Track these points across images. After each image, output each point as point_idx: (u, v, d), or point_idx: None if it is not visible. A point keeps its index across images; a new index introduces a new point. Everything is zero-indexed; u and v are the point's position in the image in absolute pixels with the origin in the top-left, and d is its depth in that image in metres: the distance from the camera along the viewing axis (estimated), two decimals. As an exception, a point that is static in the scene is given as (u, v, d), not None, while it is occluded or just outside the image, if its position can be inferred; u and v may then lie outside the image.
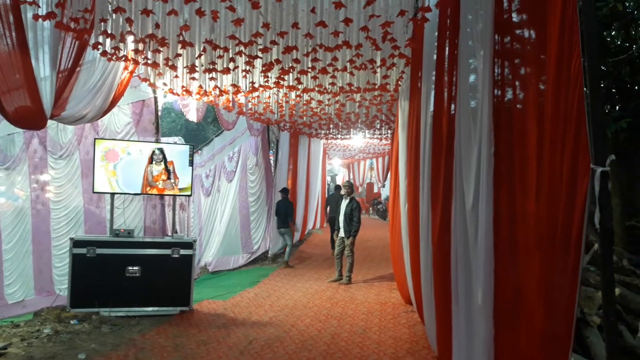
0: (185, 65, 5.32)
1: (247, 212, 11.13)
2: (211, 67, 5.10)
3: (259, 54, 4.73)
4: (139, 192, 6.55)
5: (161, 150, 6.44)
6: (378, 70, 5.48)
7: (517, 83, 2.87)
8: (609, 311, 2.18)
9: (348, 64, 5.09)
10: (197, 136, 29.37)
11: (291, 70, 5.07)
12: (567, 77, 2.22)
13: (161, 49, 4.75)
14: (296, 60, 4.74)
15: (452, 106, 3.81)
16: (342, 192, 9.10)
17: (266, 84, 6.01)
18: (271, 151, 11.73)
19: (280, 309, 6.82)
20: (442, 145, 3.99)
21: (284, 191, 10.84)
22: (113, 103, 5.55)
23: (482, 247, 2.95)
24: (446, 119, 3.91)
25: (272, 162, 11.91)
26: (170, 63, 5.12)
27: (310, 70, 5.08)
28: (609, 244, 2.20)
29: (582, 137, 2.13)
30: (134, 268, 6.23)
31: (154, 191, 6.59)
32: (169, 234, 7.21)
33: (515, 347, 2.80)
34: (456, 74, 3.69)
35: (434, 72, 4.42)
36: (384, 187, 24.38)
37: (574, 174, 2.21)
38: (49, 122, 6.61)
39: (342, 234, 8.86)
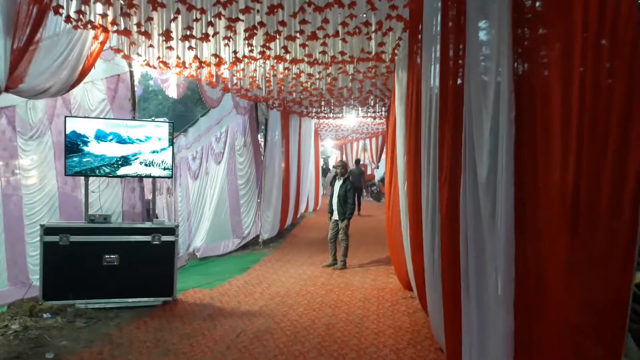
0: (160, 32, 4.78)
1: (236, 195, 10.65)
2: (188, 33, 4.57)
3: (240, 15, 4.20)
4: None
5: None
6: (373, 35, 4.97)
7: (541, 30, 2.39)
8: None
9: (340, 28, 4.57)
10: (185, 118, 28.65)
11: (277, 35, 4.55)
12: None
13: (130, 11, 4.21)
14: (282, 23, 4.23)
15: (460, 72, 3.33)
16: (336, 172, 8.65)
17: (250, 54, 5.48)
18: (260, 133, 11.20)
19: (271, 297, 6.40)
20: (448, 115, 3.52)
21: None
22: (81, 76, 5.01)
23: (502, 228, 2.50)
24: (453, 87, 3.44)
25: (261, 142, 11.40)
26: (142, 29, 4.57)
27: (298, 35, 4.56)
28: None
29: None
30: (112, 256, 5.76)
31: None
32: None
33: (541, 342, 2.38)
34: (464, 31, 3.21)
35: (438, 36, 3.93)
36: (377, 168, 23.93)
37: (625, 141, 1.78)
38: (17, 99, 6.10)
39: (335, 216, 8.43)
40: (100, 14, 4.29)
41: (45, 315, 5.37)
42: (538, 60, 2.42)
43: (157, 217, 6.45)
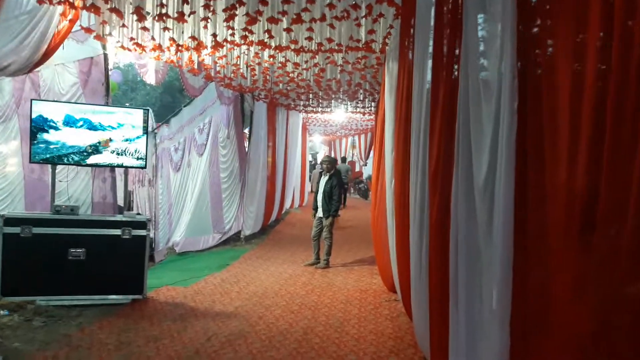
0: (132, 11, 4.40)
1: (218, 188, 10.27)
2: (161, 11, 4.20)
3: (218, -8, 3.86)
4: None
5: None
6: (363, 21, 4.65)
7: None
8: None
9: (327, 10, 4.23)
10: (172, 109, 28.08)
11: (258, 16, 4.19)
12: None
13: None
14: (263, 2, 3.88)
15: (455, 63, 3.02)
16: (322, 168, 8.34)
17: (232, 38, 5.13)
18: (246, 129, 10.83)
19: (248, 298, 6.06)
20: (440, 110, 3.21)
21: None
22: (46, 56, 4.62)
23: (499, 233, 2.20)
24: (447, 80, 3.13)
25: (246, 135, 11.04)
26: (112, 4, 4.20)
27: (281, 17, 4.21)
28: None
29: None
30: (78, 250, 5.38)
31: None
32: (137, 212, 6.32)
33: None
34: (461, 20, 2.90)
35: (431, 28, 3.62)
36: (365, 165, 23.69)
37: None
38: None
39: (320, 213, 8.11)
40: (62, -15, 3.91)
41: (1, 312, 4.99)
42: (545, 48, 2.12)
43: (129, 210, 6.05)
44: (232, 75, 7.19)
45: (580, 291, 1.83)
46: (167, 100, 30.43)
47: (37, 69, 5.85)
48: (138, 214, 11.16)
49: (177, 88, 25.69)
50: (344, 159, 20.34)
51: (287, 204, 15.47)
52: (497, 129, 2.33)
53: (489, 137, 2.44)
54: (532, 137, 2.12)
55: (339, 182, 8.21)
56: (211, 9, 4.22)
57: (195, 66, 6.68)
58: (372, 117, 13.00)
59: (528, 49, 2.17)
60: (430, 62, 3.59)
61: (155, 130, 12.42)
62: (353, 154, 26.03)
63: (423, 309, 3.69)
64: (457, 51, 3.00)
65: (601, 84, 1.71)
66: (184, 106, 11.02)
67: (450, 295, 2.88)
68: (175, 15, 4.31)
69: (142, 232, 5.60)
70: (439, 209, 3.07)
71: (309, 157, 24.75)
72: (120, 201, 6.73)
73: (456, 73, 3.01)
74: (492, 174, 2.39)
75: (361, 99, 9.95)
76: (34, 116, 5.36)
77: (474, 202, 2.60)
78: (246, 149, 10.49)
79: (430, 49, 3.58)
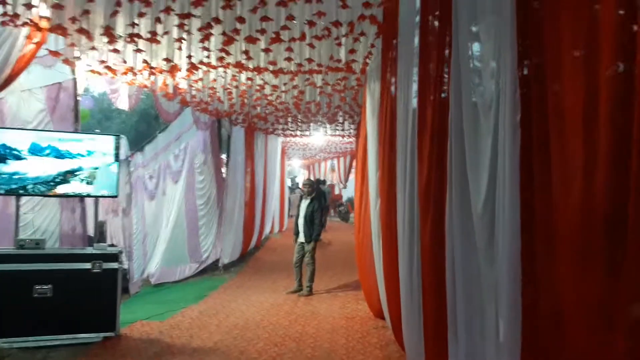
0: (101, 32, 4.18)
1: (195, 215, 9.93)
2: (132, 31, 3.99)
3: (192, 10, 3.67)
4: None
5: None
6: (343, 40, 4.52)
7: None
8: None
9: (307, 29, 4.09)
10: (148, 137, 27.72)
11: (235, 35, 4.01)
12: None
13: (61, 1, 3.62)
14: (240, 19, 3.71)
15: (444, 81, 2.89)
16: (302, 191, 8.13)
17: (208, 60, 4.94)
18: (223, 154, 10.59)
19: (228, 331, 5.73)
20: (427, 127, 3.07)
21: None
22: (9, 80, 4.36)
23: (505, 261, 2.01)
24: (435, 100, 2.99)
25: (224, 161, 10.78)
26: (78, 25, 3.97)
27: (259, 36, 4.04)
28: None
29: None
30: (44, 287, 5.01)
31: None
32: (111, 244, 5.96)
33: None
34: (449, 34, 2.78)
35: (415, 38, 3.51)
36: (345, 188, 23.57)
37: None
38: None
39: (301, 238, 7.85)
40: (24, 4, 3.65)
41: (-40, 357, 4.58)
42: (549, 55, 1.97)
43: (102, 241, 5.72)
44: (209, 99, 6.98)
45: (602, 323, 1.65)
46: (142, 128, 29.96)
47: (2, 96, 5.58)
48: (112, 245, 10.78)
49: (153, 115, 25.29)
50: (321, 182, 20.06)
51: (267, 230, 15.15)
52: (496, 145, 2.18)
53: (487, 155, 2.28)
54: (538, 152, 1.95)
55: (320, 206, 7.99)
56: (185, 28, 4.04)
57: (170, 90, 6.46)
58: (352, 139, 12.91)
59: (530, 58, 2.02)
60: (415, 83, 3.49)
61: (130, 158, 12.11)
62: (332, 177, 25.91)
63: (416, 341, 3.47)
64: (446, 69, 2.88)
65: (615, 91, 1.57)
66: (159, 132, 10.74)
67: (448, 324, 2.67)
68: (148, 35, 4.10)
69: (114, 265, 5.27)
70: (432, 230, 2.88)
71: (288, 182, 24.50)
72: (92, 232, 6.37)
73: (446, 91, 2.88)
74: (491, 194, 2.23)
75: (341, 121, 9.84)
76: (-4, 145, 5.04)
77: (472, 223, 2.43)
78: (224, 175, 10.21)
79: (415, 69, 3.49)
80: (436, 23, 3.10)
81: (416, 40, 3.48)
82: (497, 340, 2.11)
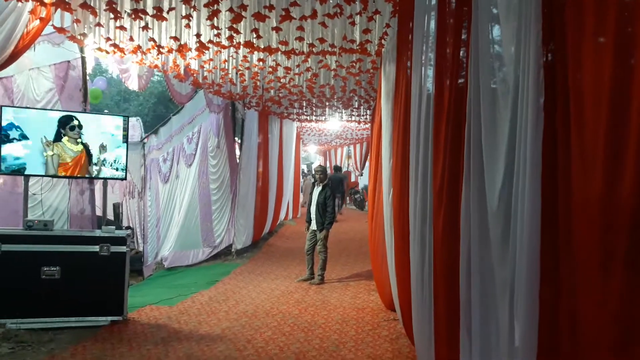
0: (105, 7, 4.04)
1: (208, 200, 9.86)
2: (137, 6, 3.84)
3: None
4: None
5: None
6: (357, 19, 4.31)
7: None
8: None
9: (318, 5, 3.88)
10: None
11: (243, 11, 3.83)
12: None
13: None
14: (247, -5, 3.54)
15: (463, 66, 2.69)
16: (314, 178, 7.97)
17: (217, 39, 4.77)
18: (237, 137, 10.46)
19: (236, 318, 5.65)
20: (444, 113, 2.87)
21: None
22: (13, 57, 4.25)
23: (523, 253, 1.83)
24: (452, 84, 2.79)
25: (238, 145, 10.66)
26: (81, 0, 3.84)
27: (267, 12, 3.86)
28: None
29: None
30: (52, 269, 4.97)
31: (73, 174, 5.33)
32: (124, 226, 5.92)
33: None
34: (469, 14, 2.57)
35: (430, 27, 3.31)
36: (361, 175, 23.35)
37: None
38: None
39: (314, 226, 7.71)
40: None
41: (-34, 338, 4.57)
42: (575, 35, 1.76)
43: (118, 222, 5.65)
44: (221, 81, 6.83)
45: (625, 327, 1.46)
46: (160, 111, 30.05)
47: (10, 74, 5.52)
48: (128, 227, 10.83)
49: (170, 98, 25.35)
50: (338, 168, 19.93)
51: (282, 216, 15.07)
52: (515, 131, 1.98)
53: (505, 142, 2.08)
54: (562, 140, 1.75)
55: (333, 193, 7.82)
56: (192, 4, 3.87)
57: (182, 71, 6.33)
58: (368, 125, 12.67)
59: (554, 41, 1.81)
60: (430, 69, 3.30)
61: (144, 141, 12.08)
62: (348, 164, 25.69)
63: (427, 335, 3.31)
64: (464, 53, 2.68)
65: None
66: (173, 115, 10.68)
67: (461, 324, 2.50)
68: (153, 12, 3.95)
69: (122, 249, 5.19)
70: (446, 222, 2.70)
71: (304, 168, 24.41)
72: (101, 214, 6.32)
73: (464, 76, 2.68)
74: (509, 185, 2.04)
75: (356, 106, 9.61)
76: (3, 124, 4.97)
77: (487, 215, 2.25)
78: (237, 159, 10.11)
79: (430, 55, 3.30)
80: (454, 4, 2.90)
81: (433, 23, 3.29)
82: (512, 342, 1.93)
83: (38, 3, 4.06)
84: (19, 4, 4.08)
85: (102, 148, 5.37)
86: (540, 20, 1.84)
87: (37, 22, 4.42)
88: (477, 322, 2.33)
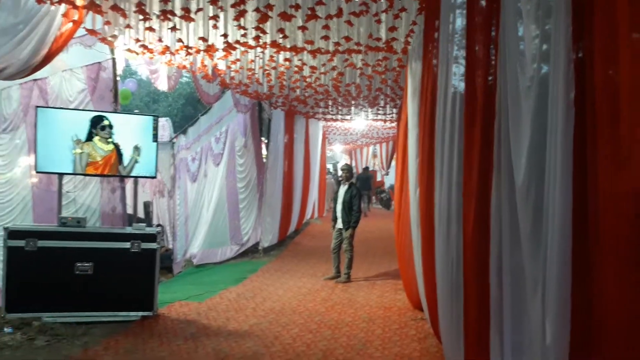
0: (134, 9, 4.13)
1: (236, 199, 9.98)
2: (165, 7, 3.92)
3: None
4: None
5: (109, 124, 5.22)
6: (383, 17, 4.30)
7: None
8: None
9: (343, 3, 3.89)
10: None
11: (269, 11, 3.87)
12: None
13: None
14: (273, -6, 3.57)
15: (492, 64, 2.66)
16: (340, 177, 7.97)
17: (244, 39, 4.83)
18: (264, 137, 10.55)
19: (264, 315, 5.70)
20: (477, 116, 2.83)
21: None
22: (47, 59, 4.38)
23: (555, 253, 1.80)
24: (482, 83, 2.76)
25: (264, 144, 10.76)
26: (112, 2, 3.94)
27: (294, 12, 3.89)
28: None
29: None
30: (85, 265, 5.11)
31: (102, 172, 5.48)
32: (155, 224, 6.06)
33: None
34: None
35: (458, 19, 3.28)
36: (387, 174, 23.28)
37: None
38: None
39: (339, 224, 7.72)
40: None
41: (6, 330, 4.74)
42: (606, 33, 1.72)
43: (137, 222, 5.77)
44: (247, 81, 6.90)
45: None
46: (189, 111, 30.48)
47: (45, 76, 5.69)
48: (158, 225, 11.04)
49: (198, 99, 25.66)
50: (366, 169, 20.42)
51: (308, 215, 15.12)
52: (545, 128, 1.95)
53: (535, 139, 2.05)
54: (595, 134, 1.71)
55: (359, 192, 7.81)
56: (219, 4, 3.92)
57: (209, 72, 6.42)
58: (394, 124, 12.60)
59: (584, 38, 1.78)
60: (456, 66, 3.27)
61: (173, 140, 12.29)
62: (374, 163, 25.62)
63: (455, 332, 3.28)
64: (493, 50, 2.65)
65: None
66: (201, 115, 10.83)
67: (491, 320, 2.47)
68: (181, 13, 4.02)
69: (153, 245, 5.30)
70: (476, 221, 2.67)
71: (329, 167, 24.50)
72: (132, 212, 6.47)
73: (492, 74, 2.65)
74: (539, 179, 2.01)
75: (382, 105, 9.56)
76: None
77: (517, 213, 2.21)
78: (264, 159, 10.19)
79: (457, 52, 3.28)
80: (483, 2, 2.88)
81: (459, 20, 3.27)
82: (542, 341, 1.90)
83: (71, 6, 4.17)
84: (53, 7, 4.20)
85: (136, 149, 5.50)
86: (570, 15, 1.81)
87: (70, 24, 4.54)
88: (508, 322, 2.30)
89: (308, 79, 6.82)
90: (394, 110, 10.16)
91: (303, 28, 4.35)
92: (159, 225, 11.02)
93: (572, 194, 1.77)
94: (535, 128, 2.06)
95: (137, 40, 4.72)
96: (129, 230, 5.37)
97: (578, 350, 1.77)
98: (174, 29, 4.43)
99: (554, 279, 1.78)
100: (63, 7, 4.19)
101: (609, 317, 1.62)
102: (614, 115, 1.59)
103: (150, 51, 5.06)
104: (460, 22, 3.31)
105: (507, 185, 2.28)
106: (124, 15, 4.18)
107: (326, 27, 4.34)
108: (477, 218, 2.63)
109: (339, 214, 7.69)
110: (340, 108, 10.28)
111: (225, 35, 4.56)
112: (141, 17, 4.16)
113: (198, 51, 5.16)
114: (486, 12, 2.78)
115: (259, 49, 5.50)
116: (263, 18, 4.00)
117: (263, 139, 10.56)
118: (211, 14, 4.23)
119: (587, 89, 1.77)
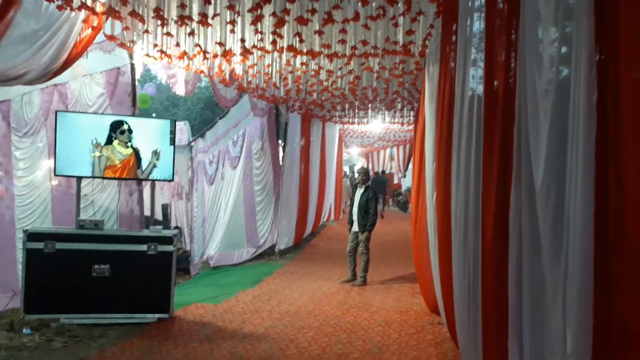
0: (152, 15, 4.17)
1: (252, 201, 10.02)
2: (182, 12, 3.95)
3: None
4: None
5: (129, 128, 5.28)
6: (400, 20, 4.27)
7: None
8: None
9: (361, 8, 3.88)
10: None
11: (286, 16, 3.87)
12: None
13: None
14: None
15: (511, 68, 2.62)
16: (356, 180, 7.94)
17: (261, 44, 4.84)
18: (280, 140, 10.59)
19: (279, 317, 5.70)
20: (497, 112, 2.79)
21: None
22: (67, 64, 4.45)
23: (576, 259, 1.76)
24: (502, 87, 2.73)
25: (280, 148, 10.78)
26: (130, 7, 3.98)
27: (310, 17, 3.88)
28: None
29: None
30: (102, 267, 5.16)
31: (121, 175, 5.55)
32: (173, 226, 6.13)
33: None
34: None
35: (476, 22, 3.24)
36: (404, 177, 23.19)
37: None
38: (13, 93, 5.63)
39: (355, 227, 7.69)
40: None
41: (24, 331, 4.81)
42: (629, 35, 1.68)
43: (155, 224, 5.83)
44: (264, 85, 6.92)
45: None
46: (207, 115, 30.75)
47: (65, 81, 5.78)
48: (176, 227, 11.14)
49: (216, 102, 25.88)
50: (382, 172, 20.50)
51: (324, 217, 15.12)
52: (566, 132, 1.91)
53: (555, 143, 2.02)
54: (617, 139, 1.67)
55: (375, 195, 7.77)
56: (236, 9, 3.94)
57: (227, 76, 6.45)
58: (411, 127, 12.53)
59: (609, 34, 1.74)
60: (475, 70, 3.24)
61: (192, 144, 12.41)
62: (391, 166, 25.54)
63: (472, 338, 3.23)
64: (513, 54, 2.61)
65: None
66: (219, 118, 10.90)
67: (509, 326, 2.43)
68: (198, 18, 4.05)
69: (169, 248, 5.34)
70: (495, 226, 2.63)
71: (346, 169, 24.49)
72: (149, 215, 6.53)
73: (512, 77, 2.61)
74: (560, 184, 1.96)
75: (399, 108, 9.52)
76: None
77: (537, 218, 2.17)
78: (280, 162, 10.22)
79: (476, 55, 3.24)
80: (502, 5, 2.84)
81: (478, 23, 3.24)
82: (563, 349, 1.86)
83: (90, 12, 4.23)
84: (73, 13, 4.26)
85: (155, 154, 5.56)
86: (592, 16, 1.77)
87: (90, 30, 4.61)
88: (527, 329, 2.25)
89: (325, 83, 6.82)
90: (412, 113, 10.11)
91: (320, 32, 4.35)
92: (176, 227, 11.10)
93: (594, 199, 1.73)
94: (555, 131, 2.02)
95: (155, 46, 4.77)
96: (145, 232, 5.43)
97: (599, 359, 1.72)
98: (191, 34, 4.47)
99: (575, 286, 1.74)
100: (83, 13, 4.25)
101: (632, 326, 1.57)
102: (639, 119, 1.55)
103: (168, 56, 5.10)
104: (478, 25, 3.28)
105: (527, 190, 2.24)
106: (142, 21, 4.23)
107: (343, 31, 4.33)
108: (496, 223, 2.59)
109: (355, 217, 7.67)
110: (357, 111, 10.26)
111: (242, 40, 4.58)
112: (159, 22, 4.20)
113: (215, 56, 5.19)
114: (506, 15, 2.75)
115: (275, 53, 5.51)
116: (280, 22, 4.01)
117: (280, 142, 10.59)
118: (228, 19, 4.25)
119: (609, 91, 1.73)
